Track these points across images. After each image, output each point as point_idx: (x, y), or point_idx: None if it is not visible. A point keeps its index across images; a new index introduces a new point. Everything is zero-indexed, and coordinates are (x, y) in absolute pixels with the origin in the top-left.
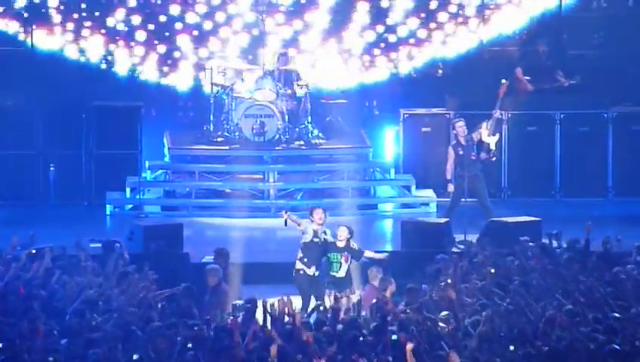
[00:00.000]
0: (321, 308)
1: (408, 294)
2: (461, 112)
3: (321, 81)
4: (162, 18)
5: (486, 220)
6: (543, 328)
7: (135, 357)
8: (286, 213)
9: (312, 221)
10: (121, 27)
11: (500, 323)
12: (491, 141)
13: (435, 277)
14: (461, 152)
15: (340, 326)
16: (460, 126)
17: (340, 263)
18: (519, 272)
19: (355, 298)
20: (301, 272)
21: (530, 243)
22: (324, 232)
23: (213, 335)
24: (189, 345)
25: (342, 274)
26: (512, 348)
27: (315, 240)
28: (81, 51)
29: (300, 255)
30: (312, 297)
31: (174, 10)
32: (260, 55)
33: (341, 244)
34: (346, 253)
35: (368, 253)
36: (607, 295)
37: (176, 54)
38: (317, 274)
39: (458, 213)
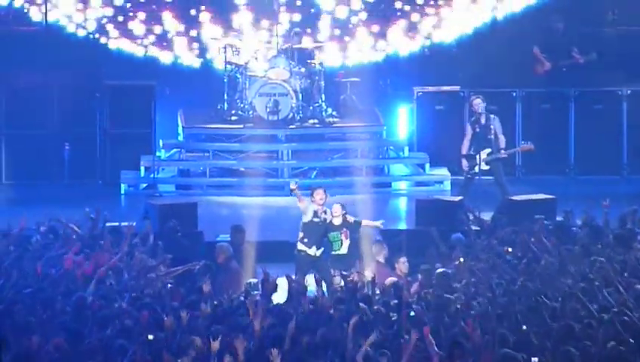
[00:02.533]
0: (324, 284)
1: (423, 274)
2: (476, 90)
3: (334, 59)
4: None
5: (501, 198)
6: (559, 306)
7: (150, 337)
8: (296, 183)
9: (313, 201)
10: (134, 5)
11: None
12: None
13: (450, 256)
14: (478, 129)
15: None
16: (477, 103)
17: (341, 240)
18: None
19: (368, 274)
20: (302, 253)
21: (545, 221)
22: (325, 212)
23: (229, 312)
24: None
25: (344, 250)
26: (524, 327)
27: (315, 220)
28: (95, 30)
29: (301, 235)
30: (310, 277)
31: None
32: (274, 33)
33: (337, 221)
34: (344, 228)
35: (365, 222)
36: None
37: (191, 33)
38: (319, 253)
39: (473, 191)
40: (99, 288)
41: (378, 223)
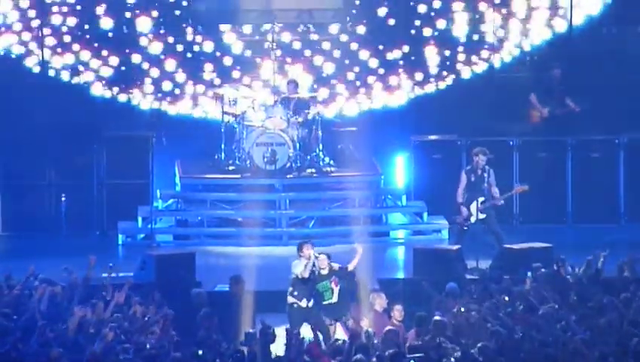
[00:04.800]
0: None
1: (418, 322)
2: (473, 138)
3: (331, 109)
4: (176, 47)
5: (497, 246)
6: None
7: None
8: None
9: (301, 256)
10: (131, 58)
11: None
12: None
13: (447, 305)
14: (473, 178)
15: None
16: (482, 160)
17: (332, 289)
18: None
19: (365, 324)
20: (294, 306)
21: (542, 270)
22: (313, 264)
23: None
24: None
25: (335, 298)
26: None
27: (305, 275)
28: (92, 81)
29: (291, 289)
30: (304, 329)
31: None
32: (271, 83)
33: (325, 272)
34: (333, 277)
35: (350, 266)
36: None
37: (187, 83)
38: (310, 305)
39: (469, 239)
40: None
41: (359, 251)
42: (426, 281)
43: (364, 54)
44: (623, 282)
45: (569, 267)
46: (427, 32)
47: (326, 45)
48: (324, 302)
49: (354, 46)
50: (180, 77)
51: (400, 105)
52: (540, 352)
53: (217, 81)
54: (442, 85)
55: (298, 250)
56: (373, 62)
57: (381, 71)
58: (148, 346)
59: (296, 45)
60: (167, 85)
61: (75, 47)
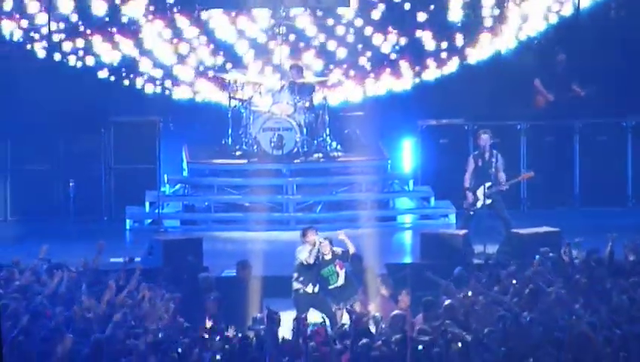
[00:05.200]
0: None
1: (425, 307)
2: (480, 123)
3: (338, 93)
4: (182, 33)
5: (505, 231)
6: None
7: None
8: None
9: (306, 242)
10: (139, 43)
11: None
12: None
13: (454, 290)
14: (480, 163)
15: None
16: (485, 139)
17: (337, 273)
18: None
19: (372, 309)
20: (300, 291)
21: (550, 254)
22: (317, 250)
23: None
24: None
25: (341, 281)
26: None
27: (309, 261)
28: (100, 66)
29: (296, 275)
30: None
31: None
32: (278, 68)
33: (328, 256)
34: (337, 260)
35: (350, 249)
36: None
37: (194, 68)
38: (316, 290)
39: (476, 224)
40: (115, 328)
41: (341, 236)
42: (429, 271)
43: (377, 39)
44: (632, 266)
45: (575, 251)
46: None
47: (340, 30)
48: (330, 287)
49: (368, 30)
50: (188, 62)
51: (407, 90)
52: (546, 336)
53: (228, 66)
54: (449, 70)
55: (302, 235)
56: (386, 47)
57: (393, 56)
58: (156, 331)
59: (309, 30)
60: (174, 70)
61: (82, 31)
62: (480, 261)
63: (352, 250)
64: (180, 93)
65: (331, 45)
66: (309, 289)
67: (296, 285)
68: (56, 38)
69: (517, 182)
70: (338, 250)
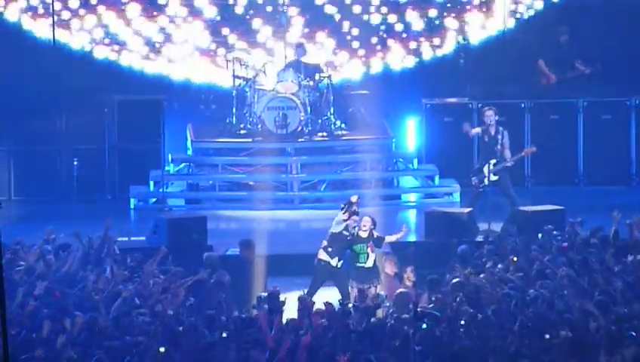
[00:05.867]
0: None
1: (430, 285)
2: (484, 101)
3: (342, 72)
4: (184, 11)
5: (510, 209)
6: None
7: (162, 349)
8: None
9: (355, 224)
10: (142, 22)
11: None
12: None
13: (460, 267)
14: (486, 139)
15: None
16: (489, 115)
17: (367, 254)
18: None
19: (380, 288)
20: (322, 263)
21: (555, 232)
22: (355, 228)
23: (240, 328)
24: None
25: (370, 263)
26: (547, 336)
27: (345, 233)
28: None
29: (325, 244)
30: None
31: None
32: (282, 47)
33: (364, 235)
34: (371, 242)
35: (389, 238)
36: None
37: (198, 47)
38: (339, 265)
39: (482, 202)
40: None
41: (400, 234)
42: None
43: (376, 18)
44: (635, 244)
45: (578, 229)
46: None
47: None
48: (358, 264)
49: (372, 8)
50: (191, 40)
51: (411, 68)
52: (550, 314)
53: (237, 44)
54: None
55: (348, 208)
56: (399, 26)
57: (404, 35)
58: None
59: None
60: (178, 48)
61: (84, 11)
62: (485, 239)
63: (388, 240)
64: (184, 72)
65: (339, 24)
66: (334, 262)
67: (322, 254)
68: (60, 16)
69: (521, 158)
70: (375, 233)
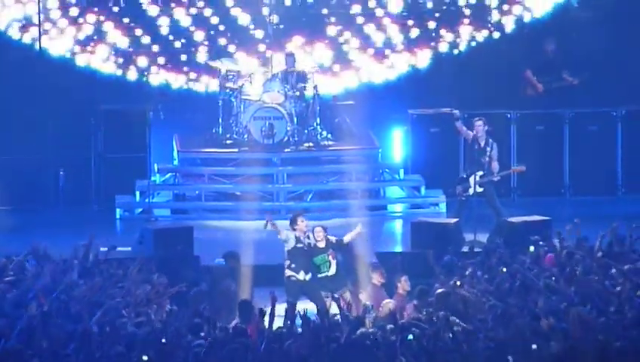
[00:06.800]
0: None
1: (419, 295)
2: (470, 112)
3: (328, 82)
4: (168, 22)
5: (496, 220)
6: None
7: (145, 358)
8: (269, 219)
9: (296, 228)
10: (128, 31)
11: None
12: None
13: (445, 277)
14: (475, 148)
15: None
16: (479, 125)
17: (329, 262)
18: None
19: (364, 298)
20: (292, 279)
21: (541, 243)
22: (307, 237)
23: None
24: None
25: (333, 270)
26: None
27: (299, 245)
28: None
29: (288, 262)
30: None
31: (182, 13)
32: (269, 57)
33: (322, 244)
34: (330, 249)
35: (347, 237)
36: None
37: (184, 57)
38: (308, 278)
39: (467, 213)
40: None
41: (358, 229)
42: (430, 251)
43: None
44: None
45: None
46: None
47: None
48: (320, 275)
49: (360, 19)
50: (179, 49)
51: (398, 79)
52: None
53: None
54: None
55: (292, 223)
56: (398, 38)
57: (400, 47)
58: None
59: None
60: (164, 58)
61: (72, 21)
62: (470, 249)
63: (347, 239)
64: (171, 82)
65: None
66: (301, 276)
67: (288, 272)
68: (45, 26)
69: (508, 174)
70: (332, 238)
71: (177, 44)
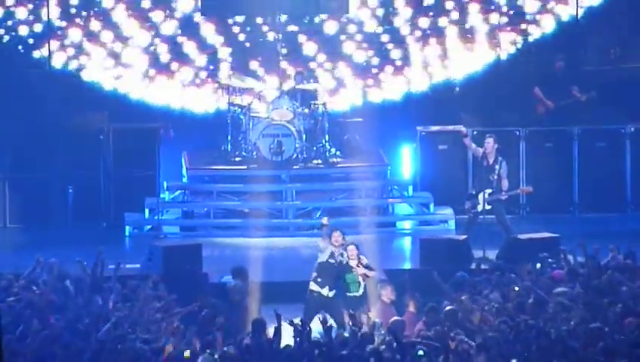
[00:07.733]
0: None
1: (428, 313)
2: (479, 129)
3: (338, 99)
4: (179, 39)
5: (505, 237)
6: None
7: None
8: (327, 220)
9: (331, 242)
10: (138, 50)
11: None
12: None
13: (455, 295)
14: (484, 165)
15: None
16: (489, 142)
17: (359, 282)
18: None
19: (372, 316)
20: (315, 294)
21: (550, 260)
22: (341, 254)
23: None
24: None
25: (361, 291)
26: None
27: (331, 261)
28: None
29: (315, 275)
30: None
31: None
32: (277, 74)
33: (354, 263)
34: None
35: (370, 273)
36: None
37: (194, 75)
38: (331, 295)
39: (477, 229)
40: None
41: (372, 273)
42: (435, 272)
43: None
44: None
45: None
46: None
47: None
48: (350, 294)
49: (384, 38)
50: (189, 67)
51: (407, 97)
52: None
53: (229, 72)
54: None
55: (329, 237)
56: (396, 53)
57: (399, 63)
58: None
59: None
60: (175, 76)
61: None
62: (480, 266)
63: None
64: (181, 100)
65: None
66: (325, 291)
67: (313, 286)
68: (55, 45)
69: (516, 194)
70: (364, 259)
71: (199, 62)
